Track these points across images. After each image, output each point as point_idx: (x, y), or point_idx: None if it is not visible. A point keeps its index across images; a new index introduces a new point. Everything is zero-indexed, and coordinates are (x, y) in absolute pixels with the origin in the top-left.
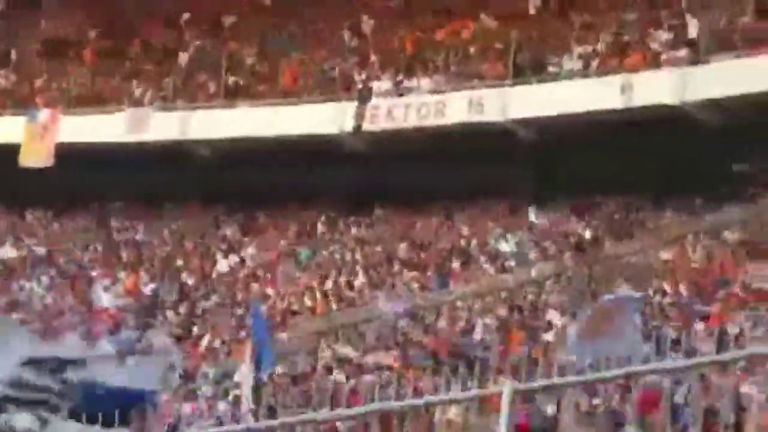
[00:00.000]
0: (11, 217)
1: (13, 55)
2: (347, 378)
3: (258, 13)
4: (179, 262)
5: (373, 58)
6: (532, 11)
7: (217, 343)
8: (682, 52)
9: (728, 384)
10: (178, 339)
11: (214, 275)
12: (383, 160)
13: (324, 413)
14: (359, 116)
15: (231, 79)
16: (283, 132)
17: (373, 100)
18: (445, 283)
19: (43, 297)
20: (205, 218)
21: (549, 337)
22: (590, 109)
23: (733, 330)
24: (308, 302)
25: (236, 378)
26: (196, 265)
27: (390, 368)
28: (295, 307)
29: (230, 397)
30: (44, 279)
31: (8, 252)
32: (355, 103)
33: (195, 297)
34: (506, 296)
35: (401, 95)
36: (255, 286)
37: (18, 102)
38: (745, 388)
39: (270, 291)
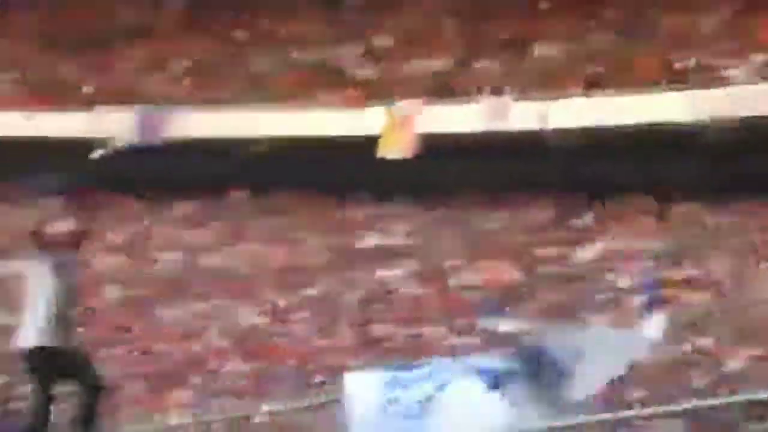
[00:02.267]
0: (375, 208)
1: (376, 46)
2: None
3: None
4: (537, 252)
5: None
6: None
7: None
8: None
9: None
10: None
11: (572, 265)
12: None
13: None
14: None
15: (591, 68)
16: (642, 120)
17: None
18: None
19: (399, 288)
20: (563, 207)
21: None
22: None
23: None
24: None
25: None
26: (554, 254)
27: None
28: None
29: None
30: (401, 272)
31: (372, 241)
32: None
33: (554, 288)
34: None
35: None
36: (610, 276)
37: (378, 93)
38: None
39: (623, 282)
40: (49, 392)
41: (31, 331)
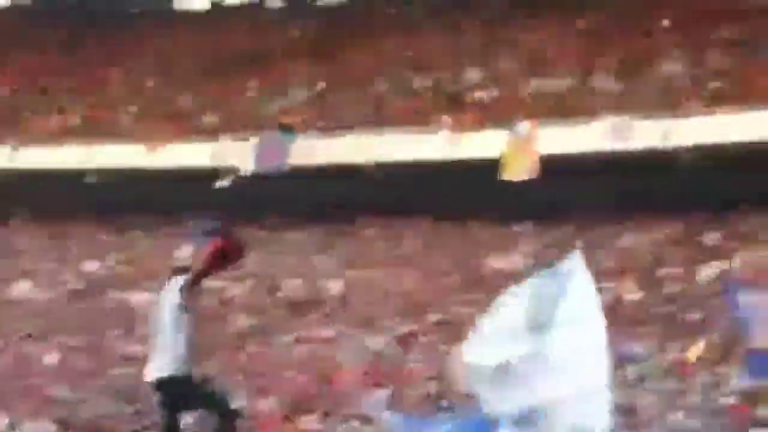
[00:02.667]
0: (499, 231)
1: (492, 70)
2: None
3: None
4: (661, 271)
5: None
6: None
7: (694, 355)
8: None
9: None
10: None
11: (697, 284)
12: None
13: None
14: None
15: (713, 84)
16: (765, 136)
17: None
18: None
19: None
20: (686, 225)
21: None
22: None
23: None
24: None
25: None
26: (678, 274)
27: None
28: None
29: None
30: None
31: (496, 263)
32: None
33: (679, 306)
34: None
35: None
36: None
37: (499, 115)
38: None
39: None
40: (177, 423)
41: (162, 361)
